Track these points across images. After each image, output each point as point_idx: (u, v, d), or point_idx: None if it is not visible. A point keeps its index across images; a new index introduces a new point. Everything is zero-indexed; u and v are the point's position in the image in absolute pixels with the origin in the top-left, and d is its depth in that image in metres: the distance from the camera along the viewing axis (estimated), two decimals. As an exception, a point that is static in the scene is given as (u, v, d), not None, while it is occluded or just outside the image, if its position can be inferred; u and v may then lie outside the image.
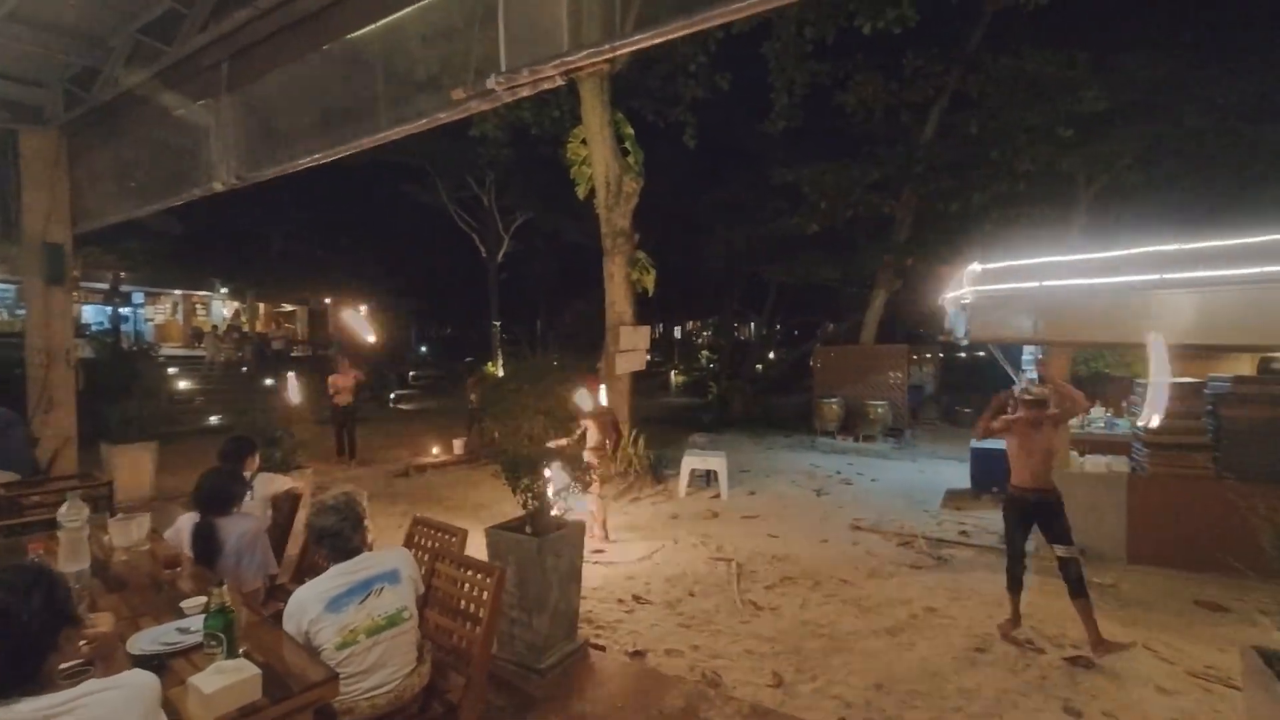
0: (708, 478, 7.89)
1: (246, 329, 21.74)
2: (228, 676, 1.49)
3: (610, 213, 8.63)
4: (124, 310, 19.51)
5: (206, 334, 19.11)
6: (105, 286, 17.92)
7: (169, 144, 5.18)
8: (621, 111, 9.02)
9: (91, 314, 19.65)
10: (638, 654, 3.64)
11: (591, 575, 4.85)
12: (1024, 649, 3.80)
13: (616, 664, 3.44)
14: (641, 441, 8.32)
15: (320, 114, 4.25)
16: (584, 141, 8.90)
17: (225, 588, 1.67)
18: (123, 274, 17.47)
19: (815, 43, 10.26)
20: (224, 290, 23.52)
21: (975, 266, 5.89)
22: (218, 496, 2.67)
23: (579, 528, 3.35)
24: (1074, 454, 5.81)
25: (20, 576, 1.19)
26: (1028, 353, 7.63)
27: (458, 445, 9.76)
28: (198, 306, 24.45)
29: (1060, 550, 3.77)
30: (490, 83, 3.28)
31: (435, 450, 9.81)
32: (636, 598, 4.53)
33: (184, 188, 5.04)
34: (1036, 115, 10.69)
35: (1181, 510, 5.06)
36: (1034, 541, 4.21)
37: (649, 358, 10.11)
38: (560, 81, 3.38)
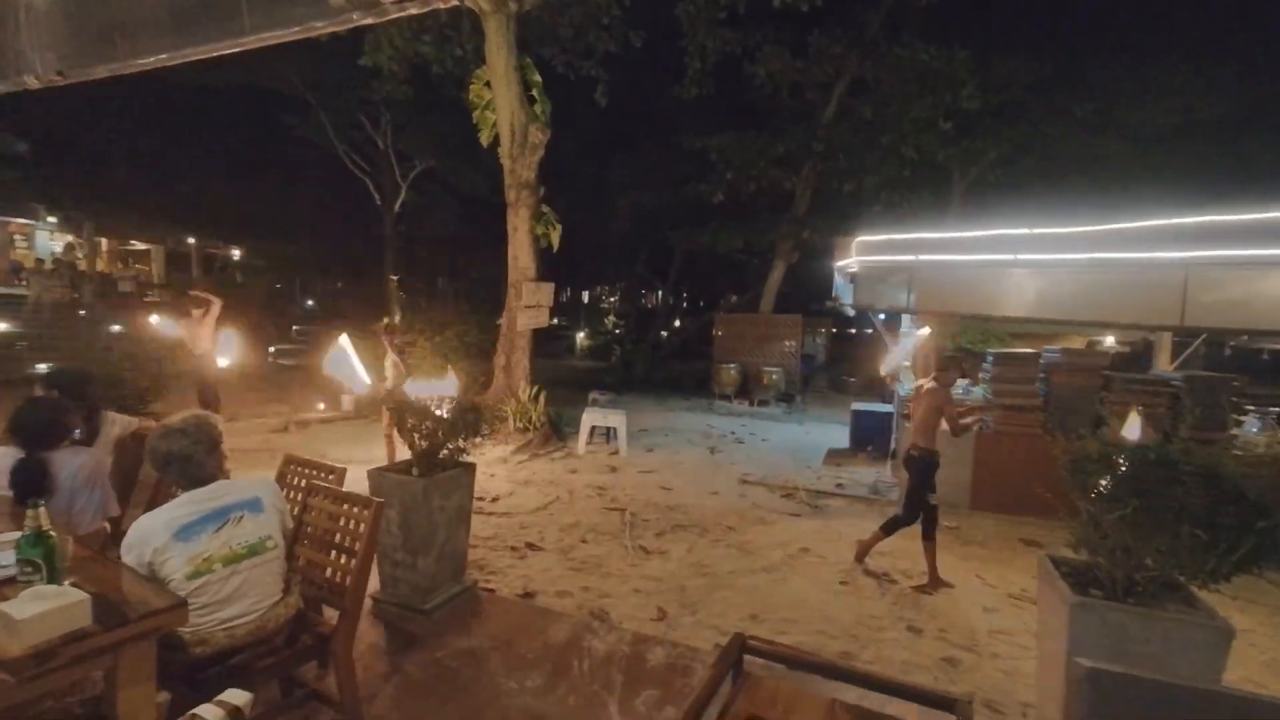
0: (608, 435, 8.00)
1: (84, 267, 18.83)
2: (47, 602, 1.32)
3: (515, 163, 8.30)
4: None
5: (28, 270, 16.34)
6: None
7: (-34, 23, 4.25)
8: (530, 58, 8.63)
9: None
10: (527, 595, 3.68)
11: (484, 525, 4.81)
12: (880, 581, 4.27)
13: (504, 603, 3.45)
14: (543, 399, 8.26)
15: (169, 7, 3.65)
16: (488, 84, 8.43)
17: (42, 510, 1.46)
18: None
19: (728, 9, 10.32)
20: (52, 220, 20.11)
21: (860, 238, 6.33)
22: (44, 428, 2.30)
23: (469, 470, 3.28)
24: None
25: None
26: (906, 324, 8.39)
27: (346, 401, 9.16)
28: (16, 237, 20.71)
29: (933, 499, 4.29)
30: (378, -9, 2.98)
31: (321, 405, 9.16)
32: (530, 545, 4.55)
33: (-14, 80, 4.18)
34: (922, 107, 11.54)
35: (1015, 463, 5.84)
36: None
37: (554, 319, 9.98)
38: (455, 1, 3.15)
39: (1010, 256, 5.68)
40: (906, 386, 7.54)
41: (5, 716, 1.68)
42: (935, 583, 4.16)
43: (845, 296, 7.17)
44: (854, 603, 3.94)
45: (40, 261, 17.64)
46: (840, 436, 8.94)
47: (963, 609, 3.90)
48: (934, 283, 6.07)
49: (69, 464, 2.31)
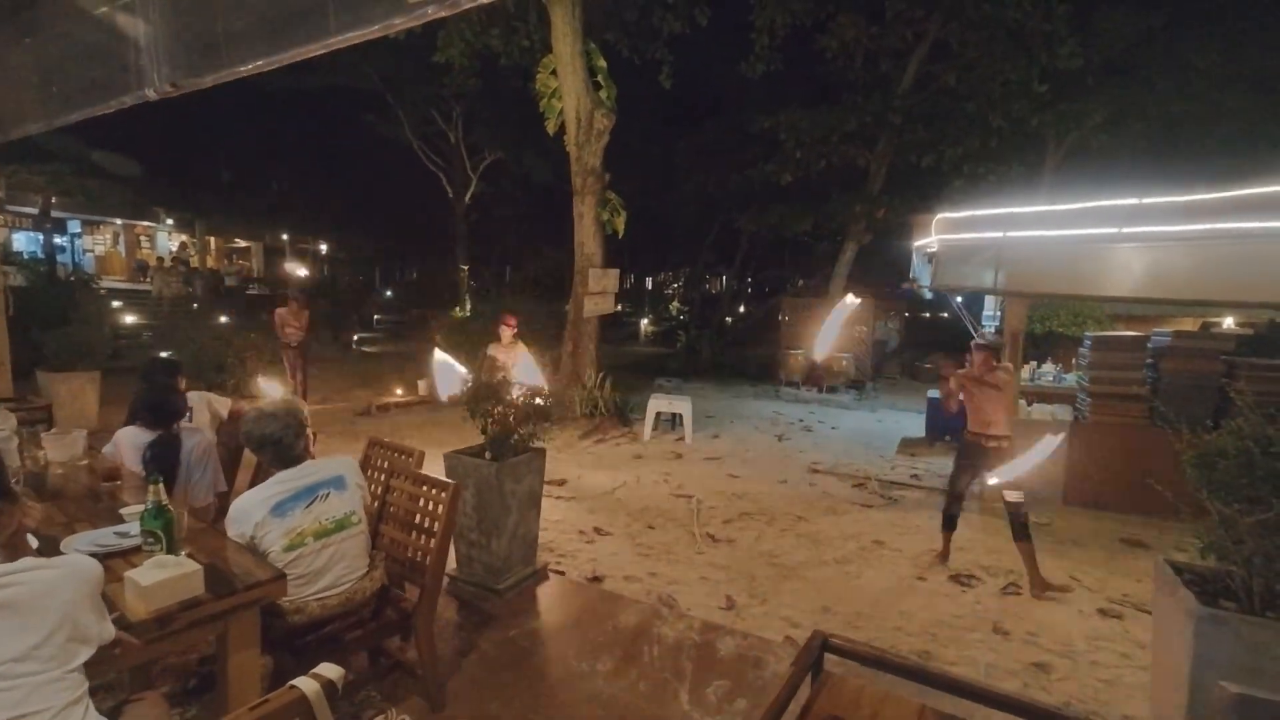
0: (673, 421, 7.99)
1: (195, 264, 20.67)
2: (167, 570, 1.45)
3: (581, 150, 8.34)
4: (59, 240, 18.34)
5: (152, 267, 18.09)
6: (34, 211, 16.72)
7: (94, 45, 4.69)
8: (595, 44, 8.61)
9: (24, 242, 18.45)
10: (596, 579, 3.74)
11: (553, 508, 4.92)
12: (962, 579, 4.03)
13: (574, 586, 3.52)
14: (609, 385, 8.34)
15: (262, 17, 3.89)
16: (554, 72, 8.49)
17: (160, 486, 1.60)
18: (54, 198, 16.24)
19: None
20: (170, 221, 22.16)
21: (942, 215, 5.93)
22: (167, 408, 2.55)
23: (539, 455, 3.35)
24: (1022, 403, 6.06)
25: None
26: (989, 307, 7.85)
27: (422, 386, 9.61)
28: (142, 238, 23.03)
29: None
30: (450, -16, 3.05)
31: (399, 391, 9.66)
32: (597, 529, 4.62)
33: (113, 95, 4.56)
34: (1014, 69, 10.62)
35: (1115, 457, 5.35)
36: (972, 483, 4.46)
37: (619, 306, 10.03)
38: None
39: (1114, 230, 5.15)
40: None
41: (134, 671, 1.87)
42: (1038, 585, 3.88)
43: (923, 278, 6.76)
44: (933, 600, 3.75)
45: (160, 260, 19.50)
46: (914, 425, 8.53)
47: (1056, 612, 3.63)
48: (1025, 261, 5.58)
49: (186, 443, 2.54)
